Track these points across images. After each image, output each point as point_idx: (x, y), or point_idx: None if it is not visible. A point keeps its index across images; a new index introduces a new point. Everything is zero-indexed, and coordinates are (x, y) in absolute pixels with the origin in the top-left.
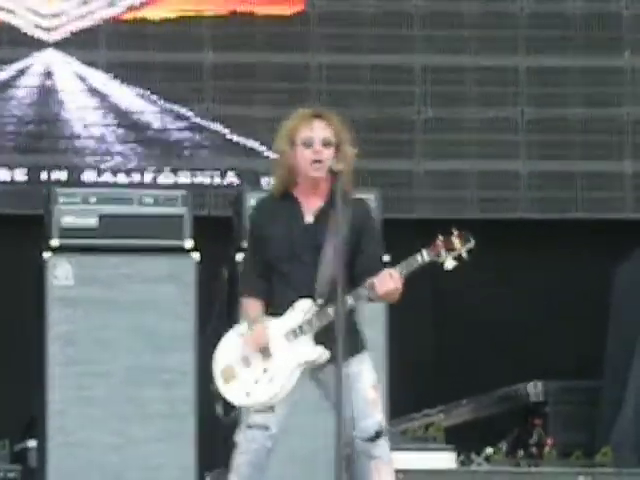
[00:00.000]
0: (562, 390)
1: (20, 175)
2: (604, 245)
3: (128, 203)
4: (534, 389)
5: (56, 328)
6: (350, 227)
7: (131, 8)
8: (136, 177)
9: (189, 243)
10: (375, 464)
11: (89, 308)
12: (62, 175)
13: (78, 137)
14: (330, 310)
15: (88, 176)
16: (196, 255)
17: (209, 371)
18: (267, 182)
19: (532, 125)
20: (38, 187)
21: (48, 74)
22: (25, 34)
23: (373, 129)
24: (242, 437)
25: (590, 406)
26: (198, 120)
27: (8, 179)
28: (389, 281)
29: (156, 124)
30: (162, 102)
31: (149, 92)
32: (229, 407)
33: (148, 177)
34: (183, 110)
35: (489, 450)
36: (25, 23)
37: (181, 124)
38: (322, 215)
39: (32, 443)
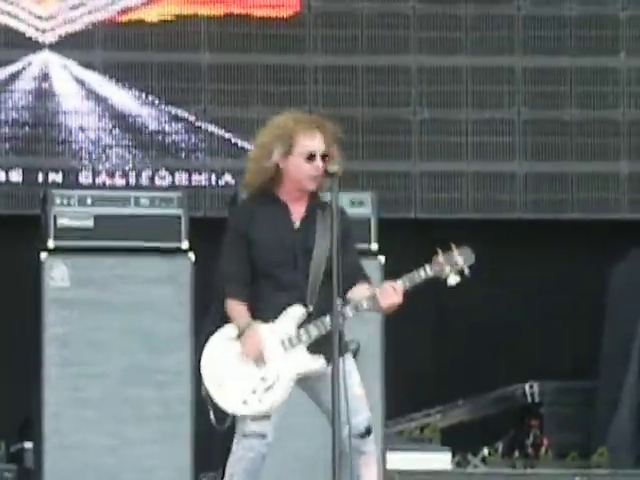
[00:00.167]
0: (558, 391)
1: (16, 176)
2: (600, 245)
3: (124, 204)
4: (530, 390)
5: (52, 329)
6: (332, 233)
7: (127, 9)
8: (132, 178)
9: (185, 244)
10: (364, 459)
11: (85, 309)
12: (58, 176)
13: (74, 138)
14: (327, 320)
15: (84, 177)
16: (192, 256)
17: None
18: None
19: (528, 126)
20: (34, 188)
21: (44, 75)
22: (21, 35)
23: (369, 130)
24: (238, 446)
25: (586, 407)
26: (194, 121)
27: (4, 180)
28: (393, 295)
29: (152, 125)
30: (158, 103)
31: (145, 93)
32: (222, 414)
33: (144, 178)
34: (179, 111)
35: (485, 451)
36: (21, 24)
37: (177, 125)
38: (308, 219)
39: (28, 444)
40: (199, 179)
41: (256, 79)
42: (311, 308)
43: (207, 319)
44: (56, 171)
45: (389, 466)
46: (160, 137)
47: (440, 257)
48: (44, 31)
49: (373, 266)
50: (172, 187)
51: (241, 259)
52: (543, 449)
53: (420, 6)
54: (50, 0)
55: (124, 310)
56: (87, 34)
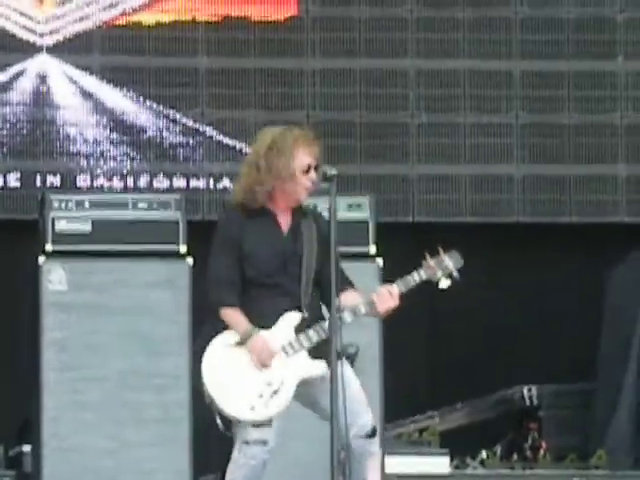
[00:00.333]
0: (556, 394)
1: (14, 180)
2: (598, 248)
3: (122, 208)
4: (528, 393)
5: (50, 333)
6: (317, 238)
7: (125, 13)
8: (130, 182)
9: (183, 248)
10: (372, 461)
11: (83, 313)
12: (56, 180)
13: (72, 142)
14: (326, 325)
15: (82, 181)
16: (190, 260)
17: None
18: None
19: (526, 129)
20: (32, 192)
21: (42, 79)
22: (19, 39)
23: (367, 134)
24: (240, 453)
25: (584, 409)
26: (192, 124)
27: (1, 184)
28: (389, 299)
29: (150, 129)
30: (156, 106)
31: (143, 97)
32: (228, 420)
33: (142, 182)
34: (177, 114)
35: (484, 454)
36: (19, 28)
37: (175, 128)
38: (295, 228)
39: (27, 448)
40: (197, 183)
41: (254, 83)
42: (306, 314)
43: (204, 327)
44: (54, 175)
45: (388, 470)
46: (158, 141)
47: (430, 261)
48: (42, 35)
49: (371, 269)
50: (170, 191)
51: (231, 264)
52: (542, 452)
53: (418, 10)
54: (48, 4)
55: (122, 314)
56: (85, 38)
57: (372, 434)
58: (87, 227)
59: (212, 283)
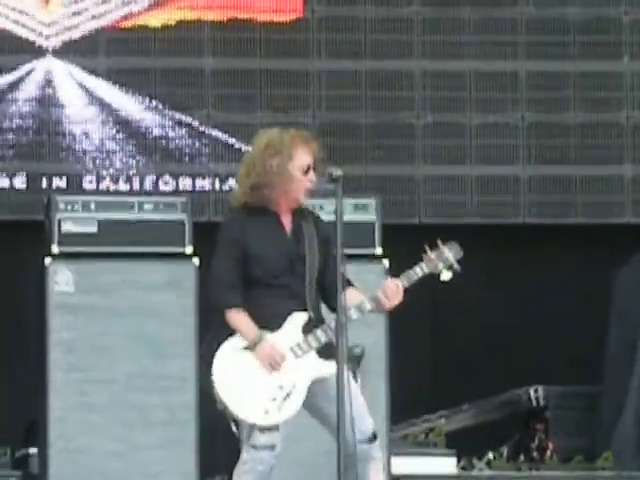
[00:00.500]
0: (563, 395)
1: (20, 182)
2: (604, 249)
3: (128, 209)
4: (535, 394)
5: (57, 334)
6: (317, 240)
7: (131, 15)
8: (136, 183)
9: (189, 249)
10: (374, 466)
11: (89, 315)
12: (62, 182)
13: (78, 144)
14: (333, 325)
15: (88, 183)
16: (196, 261)
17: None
18: None
19: (532, 130)
20: (38, 194)
21: (48, 81)
22: (25, 41)
23: (373, 134)
24: (248, 457)
25: (591, 411)
26: (198, 126)
27: (8, 186)
28: (394, 295)
29: (156, 130)
30: (162, 108)
31: (149, 98)
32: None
33: (148, 183)
34: (183, 116)
35: (490, 455)
36: (25, 30)
37: (181, 130)
38: (296, 229)
39: (33, 449)
40: (203, 184)
41: (259, 84)
42: (312, 314)
43: (210, 330)
44: (60, 177)
45: (394, 470)
46: (164, 142)
47: (430, 254)
48: (48, 37)
49: (377, 270)
50: (176, 192)
51: (233, 266)
52: (548, 453)
53: (424, 11)
54: (54, 6)
55: (128, 315)
56: (91, 40)
57: (373, 438)
58: (93, 229)
59: (215, 284)
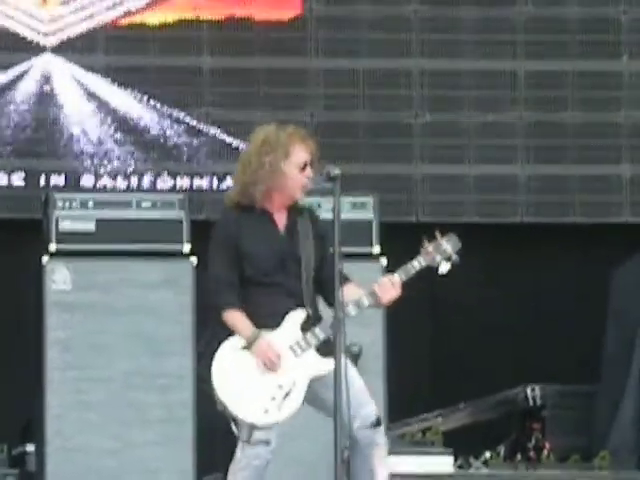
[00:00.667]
0: (560, 394)
1: (18, 179)
2: (602, 249)
3: (126, 207)
4: (532, 393)
5: (54, 333)
6: (313, 236)
7: (129, 13)
8: (134, 181)
9: (187, 247)
10: (377, 452)
11: (87, 313)
12: (60, 179)
13: (76, 142)
14: (331, 321)
15: (86, 180)
16: (193, 259)
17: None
18: None
19: (530, 129)
20: (36, 191)
21: (46, 79)
22: (23, 39)
23: (371, 133)
24: (243, 453)
25: (588, 410)
26: (196, 124)
27: (6, 183)
28: (391, 289)
29: (154, 128)
30: (160, 106)
31: (147, 96)
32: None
33: (146, 181)
34: (181, 114)
35: (487, 454)
36: (23, 28)
37: (179, 128)
38: (291, 226)
39: (30, 447)
40: (201, 182)
41: (257, 82)
42: (310, 311)
43: (207, 329)
44: (58, 174)
45: (391, 469)
46: (162, 140)
47: (429, 246)
48: (46, 34)
49: (375, 269)
50: (174, 190)
51: (229, 265)
52: (545, 452)
53: (422, 9)
54: (52, 3)
55: (126, 313)
56: (89, 37)
57: (377, 424)
58: (91, 227)
59: (211, 284)
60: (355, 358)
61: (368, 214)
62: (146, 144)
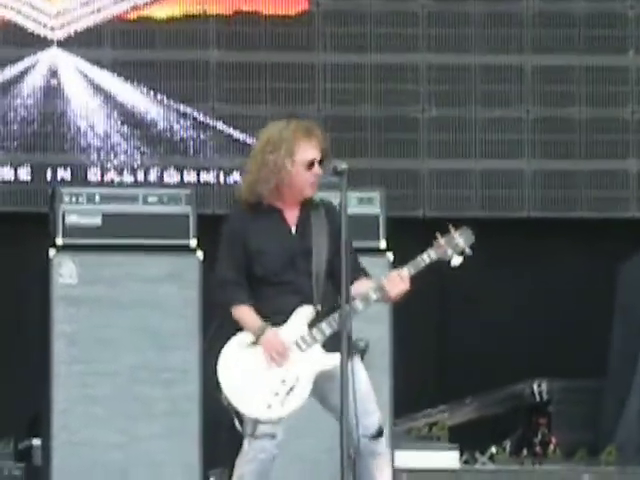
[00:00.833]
0: (566, 389)
1: (25, 174)
2: (608, 244)
3: (132, 202)
4: (538, 388)
5: (60, 326)
6: (328, 230)
7: (136, 7)
8: (141, 176)
9: (193, 242)
10: (378, 462)
11: (93, 307)
12: (67, 174)
13: (83, 136)
14: (337, 316)
15: (93, 175)
16: (200, 254)
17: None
18: None
19: (537, 124)
20: (43, 185)
21: (53, 73)
22: (30, 33)
23: (378, 128)
24: (250, 447)
25: (594, 405)
26: (203, 119)
27: (13, 177)
28: (400, 283)
29: (161, 123)
30: (167, 100)
31: (154, 91)
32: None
33: (153, 176)
34: (188, 109)
35: (493, 449)
36: (30, 22)
37: (186, 122)
38: (303, 222)
39: (36, 441)
40: (207, 177)
41: (264, 77)
42: (319, 307)
43: (212, 325)
44: (64, 168)
45: (397, 464)
46: (169, 135)
47: (441, 240)
48: (53, 28)
49: (381, 264)
50: (180, 185)
51: (239, 263)
52: (551, 447)
53: (429, 4)
54: None
55: (132, 308)
56: (96, 31)
57: (377, 435)
58: (97, 221)
59: (219, 282)
60: (362, 353)
61: (375, 209)
62: (153, 138)
